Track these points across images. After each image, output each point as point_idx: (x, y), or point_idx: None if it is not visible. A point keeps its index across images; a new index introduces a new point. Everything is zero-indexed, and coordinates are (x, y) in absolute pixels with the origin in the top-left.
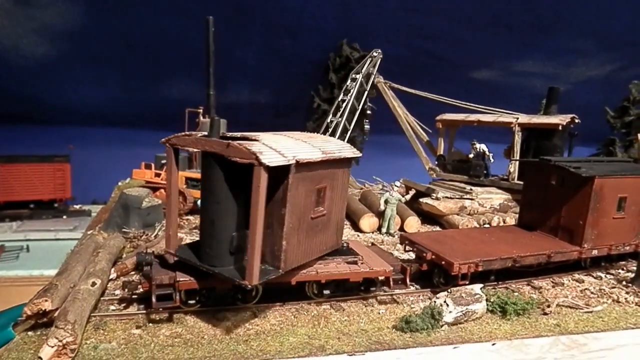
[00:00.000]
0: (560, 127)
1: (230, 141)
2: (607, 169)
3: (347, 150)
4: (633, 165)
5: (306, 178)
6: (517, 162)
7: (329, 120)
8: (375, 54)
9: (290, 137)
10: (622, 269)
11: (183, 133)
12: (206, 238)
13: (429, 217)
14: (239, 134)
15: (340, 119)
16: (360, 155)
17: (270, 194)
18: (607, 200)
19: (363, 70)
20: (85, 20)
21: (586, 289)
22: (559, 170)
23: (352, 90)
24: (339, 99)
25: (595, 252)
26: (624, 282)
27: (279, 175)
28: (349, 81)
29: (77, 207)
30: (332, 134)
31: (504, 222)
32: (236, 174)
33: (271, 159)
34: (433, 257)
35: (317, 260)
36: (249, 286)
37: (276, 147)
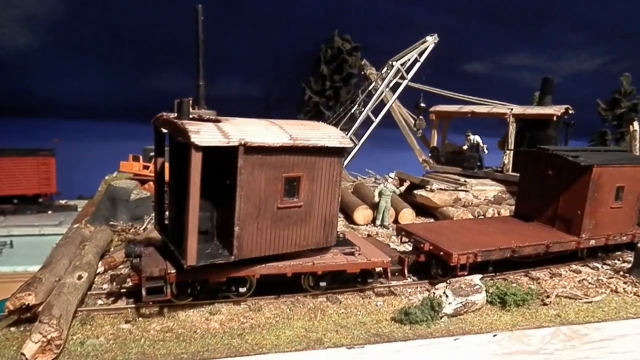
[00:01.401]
0: (554, 118)
1: (178, 120)
2: (605, 158)
3: (330, 140)
4: (630, 155)
5: (266, 163)
6: (512, 154)
7: (353, 110)
8: (429, 38)
9: (265, 123)
10: (618, 260)
11: (161, 113)
12: (173, 219)
13: (423, 209)
14: (213, 117)
15: (362, 109)
16: (351, 145)
17: (229, 178)
18: (605, 189)
19: (407, 57)
20: (69, 9)
21: (584, 279)
22: (556, 160)
23: (386, 78)
24: (371, 87)
25: (593, 242)
26: (621, 273)
27: (235, 159)
28: (385, 68)
29: (62, 202)
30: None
31: (499, 214)
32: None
33: (203, 139)
34: (431, 248)
35: (303, 257)
36: (186, 266)
37: (227, 129)
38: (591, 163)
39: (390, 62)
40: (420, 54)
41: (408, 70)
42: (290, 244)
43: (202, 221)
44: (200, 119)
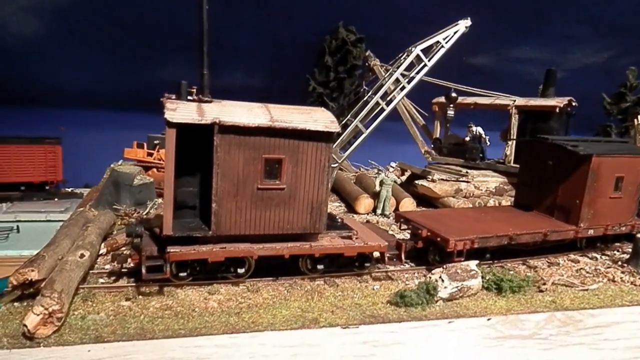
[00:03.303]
0: (557, 110)
1: (164, 100)
2: (604, 148)
3: (315, 124)
4: (630, 145)
5: (243, 143)
6: (514, 146)
7: (365, 98)
8: (461, 21)
9: (254, 106)
10: (618, 251)
11: (167, 94)
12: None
13: (425, 200)
14: (208, 99)
15: (373, 96)
16: (337, 131)
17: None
18: (604, 179)
19: (430, 42)
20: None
21: (581, 268)
22: (556, 149)
23: (401, 65)
24: (386, 75)
25: (591, 232)
26: (619, 263)
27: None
28: (404, 54)
29: (69, 190)
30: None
31: (499, 205)
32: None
33: (176, 116)
34: (429, 234)
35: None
36: (163, 235)
37: (206, 109)
38: (590, 152)
39: (410, 48)
40: (446, 39)
41: (430, 57)
42: (272, 226)
43: (189, 196)
44: (200, 100)
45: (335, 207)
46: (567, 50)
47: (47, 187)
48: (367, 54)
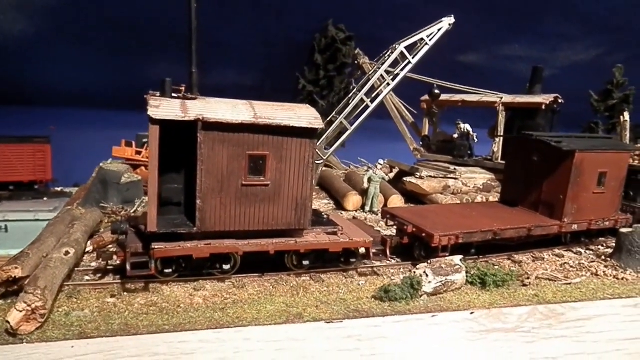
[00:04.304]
0: (543, 107)
1: (147, 97)
2: (588, 144)
3: (299, 120)
4: (614, 141)
5: (227, 140)
6: (501, 143)
7: (352, 95)
8: (445, 19)
9: (239, 103)
10: (602, 246)
11: (151, 92)
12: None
13: (413, 197)
14: (193, 96)
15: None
16: (321, 127)
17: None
18: (587, 174)
19: (414, 39)
20: None
21: (566, 263)
22: (540, 145)
23: (385, 62)
24: (371, 72)
25: (575, 227)
26: (603, 257)
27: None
28: (388, 51)
29: (58, 189)
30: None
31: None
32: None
33: (159, 113)
34: (414, 229)
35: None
36: (147, 232)
37: (190, 106)
38: (573, 148)
39: (394, 45)
40: (429, 37)
41: (414, 54)
42: (257, 222)
43: (174, 193)
44: (185, 97)
45: (324, 204)
46: (557, 48)
47: (36, 187)
48: (356, 52)
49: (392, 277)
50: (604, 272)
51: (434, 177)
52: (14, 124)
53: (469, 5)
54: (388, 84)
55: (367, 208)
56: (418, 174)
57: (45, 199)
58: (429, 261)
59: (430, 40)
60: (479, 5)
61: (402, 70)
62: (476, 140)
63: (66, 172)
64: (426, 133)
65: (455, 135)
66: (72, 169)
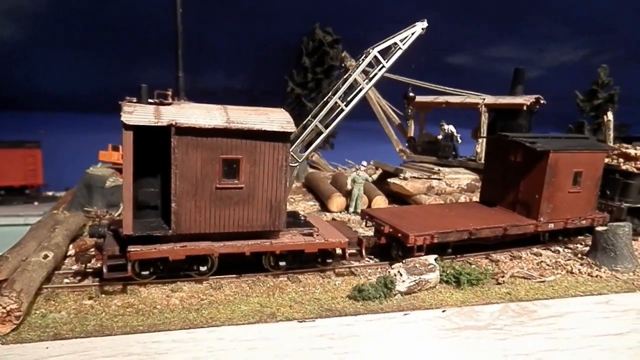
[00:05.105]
0: (524, 107)
1: (122, 103)
2: (563, 144)
3: (271, 124)
4: (590, 141)
5: (201, 144)
6: (484, 144)
7: (326, 98)
8: (418, 23)
9: (213, 107)
10: (580, 244)
11: (127, 98)
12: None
13: (398, 198)
14: (168, 102)
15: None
16: (294, 131)
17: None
18: (562, 174)
19: (388, 43)
20: (53, 1)
21: (542, 261)
22: (516, 146)
23: (359, 66)
24: (345, 76)
25: (551, 226)
26: (579, 255)
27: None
28: (363, 55)
29: (49, 194)
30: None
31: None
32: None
33: (132, 119)
34: (390, 230)
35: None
36: (123, 235)
37: (164, 112)
38: (548, 148)
39: (368, 50)
40: (403, 41)
41: (388, 58)
42: (232, 224)
43: (151, 197)
44: (161, 103)
45: (309, 205)
46: (544, 49)
47: (27, 191)
48: (343, 54)
49: (369, 277)
50: (579, 269)
51: (418, 177)
52: (4, 128)
53: (457, 8)
54: (362, 88)
55: (351, 209)
56: (402, 175)
57: (36, 203)
58: (403, 261)
59: (403, 44)
60: (466, 8)
61: (375, 74)
62: (460, 141)
63: (57, 177)
64: (412, 134)
65: (440, 137)
66: (63, 173)
